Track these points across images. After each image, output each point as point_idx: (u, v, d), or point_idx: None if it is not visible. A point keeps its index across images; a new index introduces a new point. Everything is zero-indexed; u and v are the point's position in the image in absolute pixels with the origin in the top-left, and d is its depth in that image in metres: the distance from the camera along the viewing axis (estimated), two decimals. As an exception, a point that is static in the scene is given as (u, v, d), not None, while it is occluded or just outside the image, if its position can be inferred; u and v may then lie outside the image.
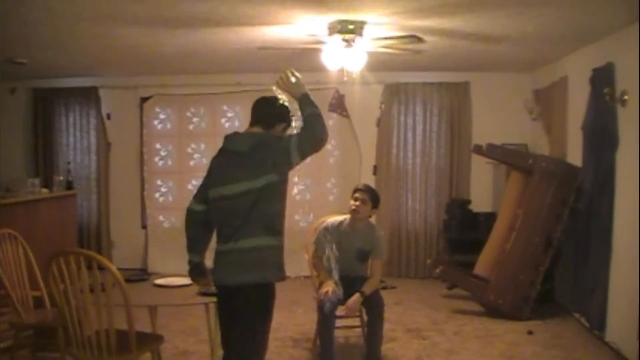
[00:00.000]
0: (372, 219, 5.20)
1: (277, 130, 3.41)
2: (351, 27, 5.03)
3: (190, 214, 3.58)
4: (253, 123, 3.42)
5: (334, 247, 4.92)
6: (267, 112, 3.42)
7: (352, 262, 4.98)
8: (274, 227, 3.29)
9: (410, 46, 5.51)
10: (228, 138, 3.42)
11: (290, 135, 3.30)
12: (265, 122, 3.39)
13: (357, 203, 4.89)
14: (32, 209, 6.61)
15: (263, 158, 3.22)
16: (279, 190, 3.30)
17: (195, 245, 3.56)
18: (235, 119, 8.51)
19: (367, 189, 4.99)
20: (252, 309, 3.27)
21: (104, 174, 8.66)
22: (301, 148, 3.20)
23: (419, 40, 5.32)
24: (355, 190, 4.98)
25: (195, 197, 3.58)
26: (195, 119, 8.61)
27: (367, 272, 5.04)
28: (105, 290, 3.52)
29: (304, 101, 3.32)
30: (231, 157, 3.33)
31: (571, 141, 6.48)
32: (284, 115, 3.44)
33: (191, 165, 8.61)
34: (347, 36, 5.07)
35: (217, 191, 3.35)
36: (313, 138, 3.23)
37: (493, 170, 8.07)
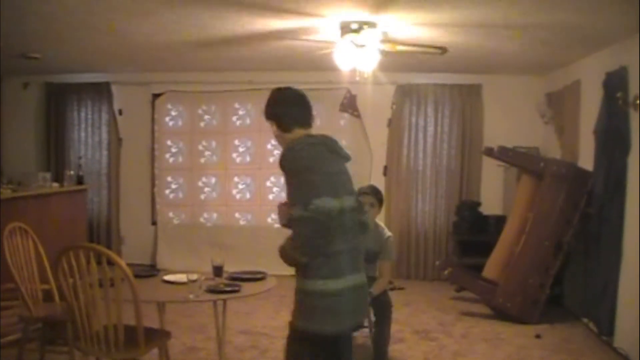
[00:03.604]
0: (381, 219, 5.18)
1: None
2: (365, 27, 5.02)
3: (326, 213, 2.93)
4: (307, 124, 3.17)
5: None
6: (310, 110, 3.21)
7: (360, 262, 4.97)
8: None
9: (431, 50, 5.49)
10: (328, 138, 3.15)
11: None
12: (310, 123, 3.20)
13: (365, 208, 4.85)
14: (42, 203, 6.64)
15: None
16: None
17: None
18: (246, 116, 8.53)
19: (373, 191, 4.95)
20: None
21: (114, 170, 8.70)
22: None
23: (444, 50, 5.32)
24: (361, 194, 4.92)
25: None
26: (206, 117, 8.63)
27: (376, 272, 5.03)
28: (114, 286, 3.53)
29: None
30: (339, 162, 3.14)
31: (583, 145, 6.45)
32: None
33: (202, 162, 8.64)
34: (360, 36, 5.06)
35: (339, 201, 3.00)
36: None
37: (504, 173, 8.05)
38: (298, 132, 3.09)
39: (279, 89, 3.24)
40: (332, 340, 3.09)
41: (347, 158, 3.17)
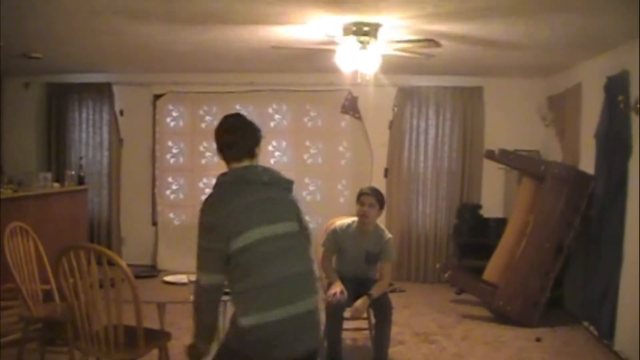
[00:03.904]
0: (382, 221, 5.17)
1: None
2: (366, 29, 5.02)
3: (213, 291, 2.86)
4: (242, 158, 2.89)
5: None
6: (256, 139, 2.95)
7: (360, 264, 4.97)
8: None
9: (425, 50, 5.48)
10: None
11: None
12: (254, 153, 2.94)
13: (365, 208, 4.86)
14: (43, 203, 6.65)
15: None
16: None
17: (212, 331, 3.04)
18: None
19: (373, 192, 4.94)
20: None
21: (115, 170, 8.69)
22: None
23: (436, 44, 5.31)
24: (361, 194, 4.93)
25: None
26: (207, 117, 8.63)
27: (377, 274, 5.03)
28: (115, 286, 3.53)
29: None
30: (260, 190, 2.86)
31: (584, 148, 6.45)
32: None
33: (202, 163, 8.63)
34: (362, 38, 5.05)
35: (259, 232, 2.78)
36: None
37: (504, 176, 8.04)
38: (232, 167, 2.90)
39: (222, 118, 3.02)
40: None
41: (272, 184, 2.89)
